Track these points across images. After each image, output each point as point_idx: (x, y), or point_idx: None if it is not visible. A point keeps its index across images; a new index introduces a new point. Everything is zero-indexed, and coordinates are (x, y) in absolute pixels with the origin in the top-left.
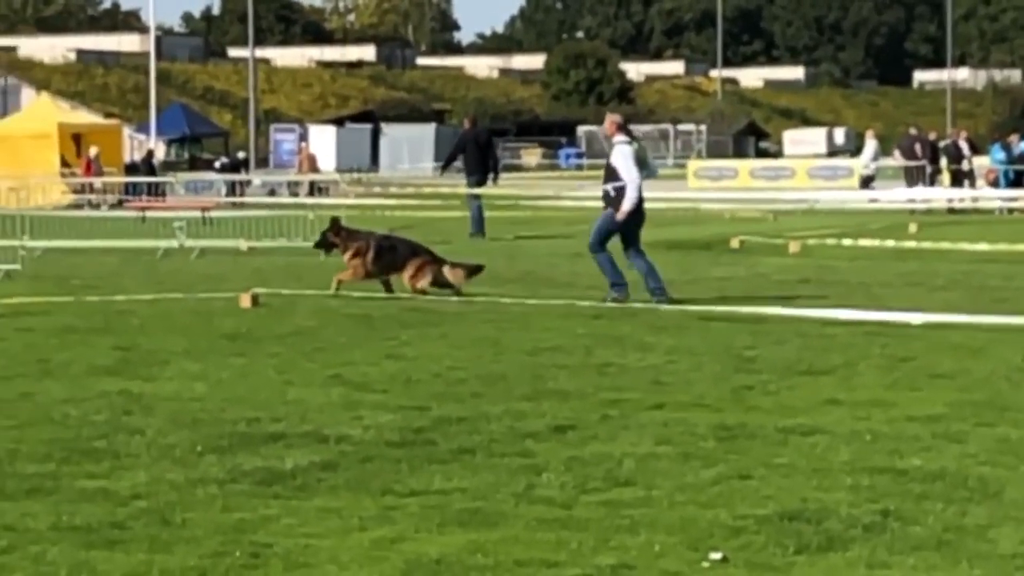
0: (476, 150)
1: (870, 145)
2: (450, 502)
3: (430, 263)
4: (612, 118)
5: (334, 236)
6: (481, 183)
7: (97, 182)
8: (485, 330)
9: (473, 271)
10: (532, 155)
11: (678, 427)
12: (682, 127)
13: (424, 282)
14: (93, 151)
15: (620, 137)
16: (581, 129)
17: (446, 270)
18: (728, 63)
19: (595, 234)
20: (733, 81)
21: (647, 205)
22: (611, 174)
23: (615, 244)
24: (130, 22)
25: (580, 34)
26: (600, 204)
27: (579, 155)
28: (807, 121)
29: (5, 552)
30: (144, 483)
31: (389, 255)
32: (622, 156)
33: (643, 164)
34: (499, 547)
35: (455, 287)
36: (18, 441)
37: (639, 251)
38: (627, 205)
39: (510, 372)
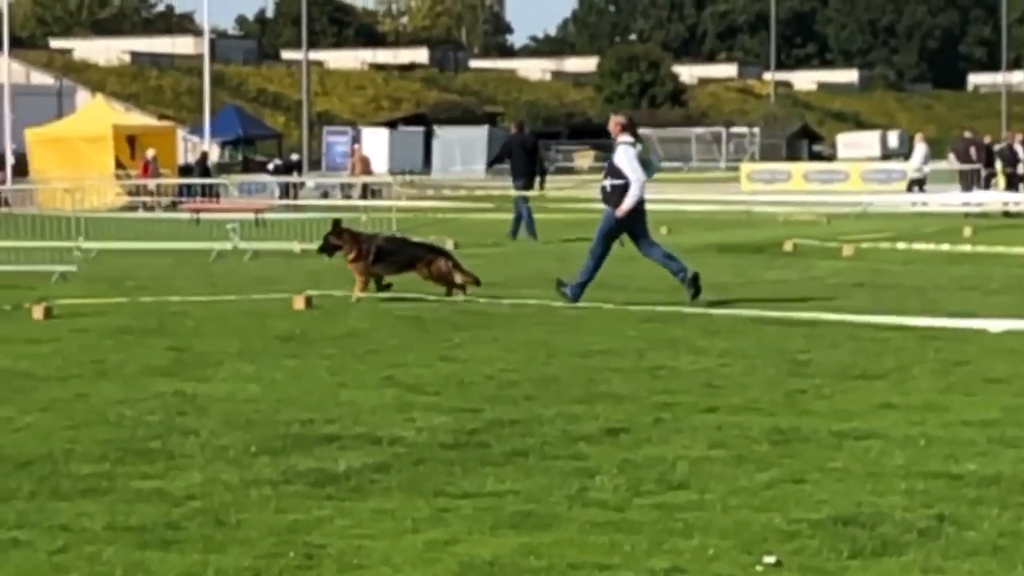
0: (523, 154)
1: (919, 149)
2: (503, 504)
3: (443, 258)
4: (616, 119)
5: (336, 239)
6: (528, 187)
7: (151, 184)
8: (537, 333)
9: (474, 281)
10: (584, 158)
11: (731, 430)
12: (735, 130)
13: (448, 271)
14: (151, 153)
15: (624, 137)
16: None
17: (456, 271)
18: (781, 66)
19: (599, 236)
20: (786, 84)
21: (652, 207)
22: (613, 172)
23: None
24: (184, 25)
25: (633, 37)
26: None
27: None
28: (861, 124)
29: (61, 552)
30: (198, 484)
31: (393, 255)
32: (626, 156)
33: (646, 164)
34: (552, 549)
35: (457, 287)
36: (73, 441)
37: (651, 242)
38: (629, 202)
39: (562, 375)
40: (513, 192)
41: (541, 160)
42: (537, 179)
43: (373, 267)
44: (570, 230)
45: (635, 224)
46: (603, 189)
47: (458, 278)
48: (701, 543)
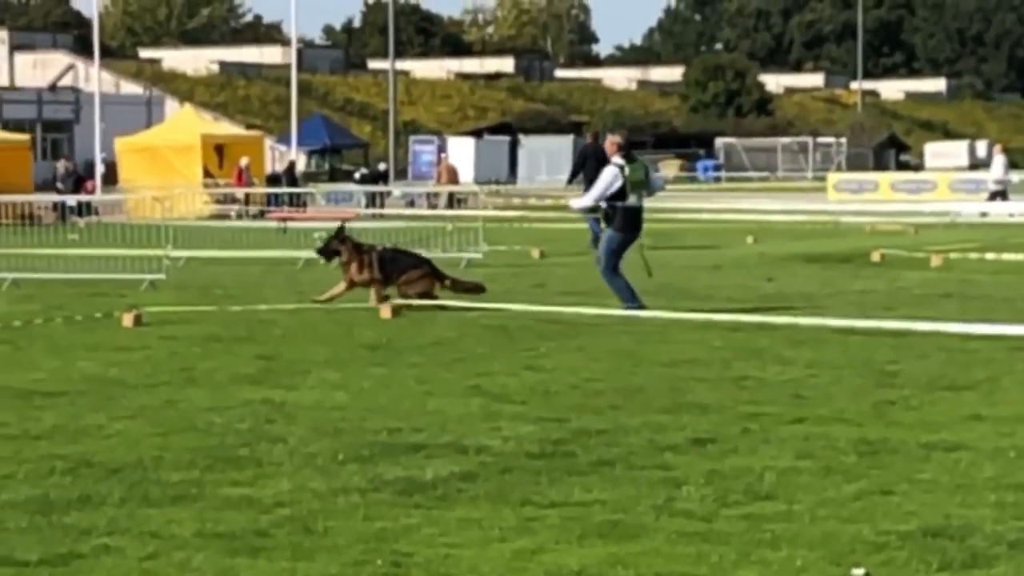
0: (596, 165)
1: (998, 160)
2: (590, 514)
3: (429, 275)
4: (612, 139)
5: (339, 244)
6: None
7: (239, 192)
8: (623, 342)
9: (472, 288)
10: (670, 167)
11: (819, 441)
12: (821, 140)
13: (415, 291)
14: (244, 161)
15: (616, 159)
16: (719, 141)
17: (445, 283)
18: (868, 75)
19: (604, 258)
20: (873, 93)
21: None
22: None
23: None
24: (272, 34)
25: (719, 46)
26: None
27: (717, 167)
28: (948, 134)
29: (151, 558)
30: (287, 491)
31: (391, 265)
32: (604, 177)
33: (642, 184)
34: (639, 560)
35: (435, 296)
36: (163, 448)
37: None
38: (576, 203)
39: (648, 384)
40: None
41: None
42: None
43: (377, 276)
44: (653, 239)
45: (627, 245)
46: (599, 208)
47: (455, 291)
48: (789, 554)
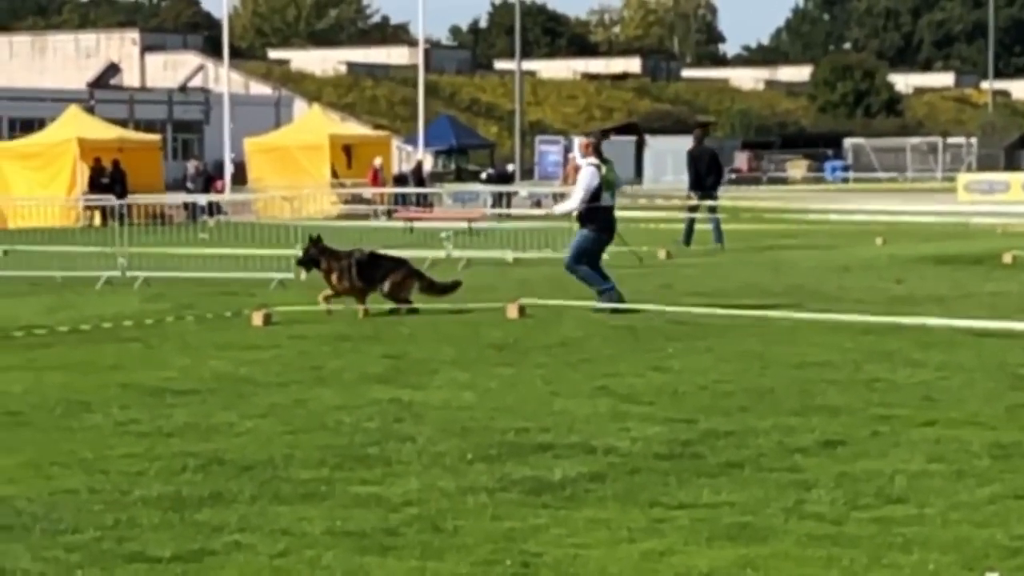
0: (703, 165)
1: None
2: (719, 516)
3: (410, 276)
4: (583, 140)
5: (318, 253)
6: (706, 198)
7: (367, 192)
8: (751, 344)
9: (449, 288)
10: (797, 168)
11: (951, 444)
12: (951, 140)
13: (406, 292)
14: (378, 161)
15: (590, 159)
16: (848, 142)
17: (423, 284)
18: (1000, 74)
19: (572, 253)
20: (1005, 93)
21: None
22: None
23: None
24: (399, 35)
25: (847, 45)
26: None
27: (845, 168)
28: None
29: (282, 555)
30: (416, 490)
31: (370, 270)
32: (581, 176)
33: (613, 183)
34: (769, 562)
35: (408, 300)
36: (293, 447)
37: (594, 265)
38: (558, 209)
39: (777, 386)
40: (728, 202)
41: (720, 170)
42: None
43: (357, 282)
44: (782, 239)
45: (602, 246)
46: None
47: (432, 293)
48: (921, 558)
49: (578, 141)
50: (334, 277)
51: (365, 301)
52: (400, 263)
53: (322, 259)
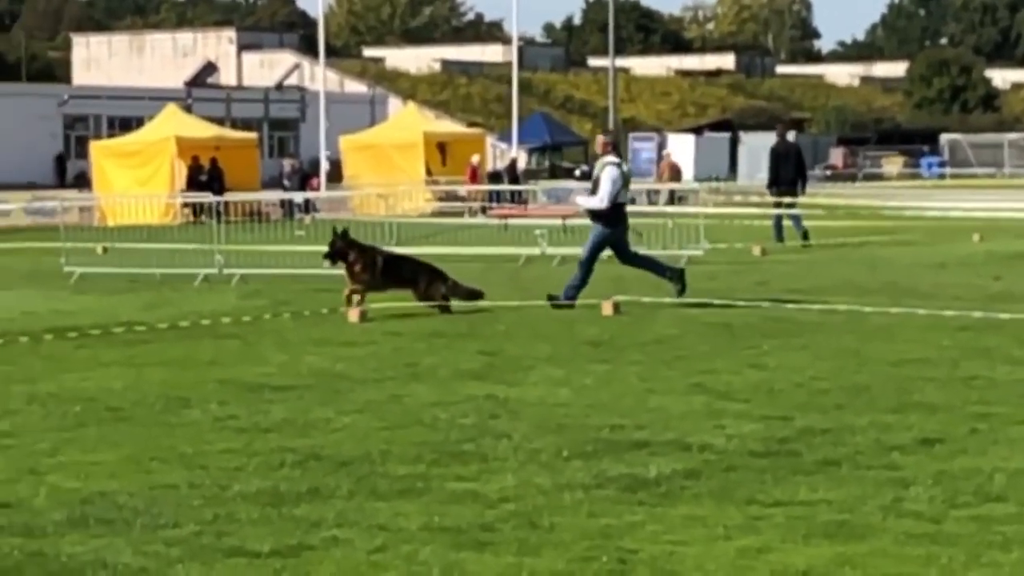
0: (786, 162)
1: None
2: (816, 513)
3: (437, 276)
4: (603, 138)
5: (346, 247)
6: (785, 194)
7: (461, 190)
8: (847, 341)
9: (472, 294)
10: (893, 164)
11: None
12: None
13: (437, 292)
14: (476, 158)
15: (610, 157)
16: (944, 138)
17: (448, 286)
18: None
19: (590, 250)
20: None
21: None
22: (596, 188)
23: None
24: (493, 32)
25: (944, 41)
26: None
27: (942, 164)
28: None
29: (379, 551)
30: (512, 487)
31: (396, 269)
32: (607, 176)
33: (627, 182)
34: (867, 560)
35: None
36: (389, 442)
37: (632, 252)
38: (586, 204)
39: (874, 384)
40: (821, 199)
41: (803, 168)
42: (798, 187)
43: (380, 279)
44: (878, 236)
45: (621, 238)
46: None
47: (455, 296)
48: (1021, 556)
49: (598, 139)
50: (358, 267)
51: (364, 299)
52: (424, 264)
53: (349, 252)
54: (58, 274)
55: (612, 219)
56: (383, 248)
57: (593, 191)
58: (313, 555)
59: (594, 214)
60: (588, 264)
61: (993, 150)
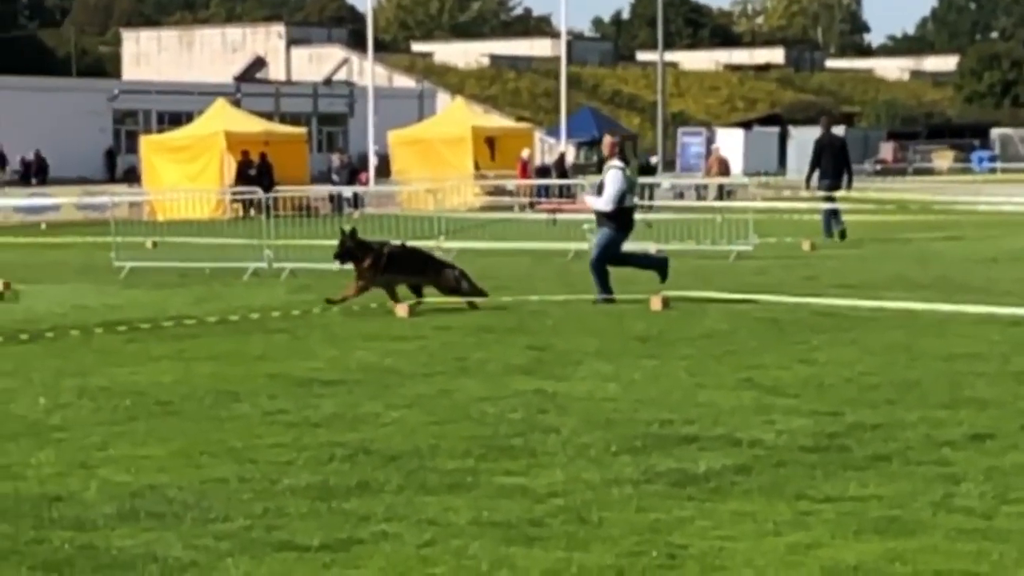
0: (830, 156)
1: None
2: (866, 509)
3: (450, 268)
4: (609, 140)
5: (355, 247)
6: (833, 188)
7: (510, 184)
8: (898, 336)
9: (477, 292)
10: (943, 158)
11: None
12: None
13: (456, 284)
14: (526, 153)
15: (615, 161)
16: (995, 132)
17: (457, 277)
18: None
19: (599, 253)
20: None
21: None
22: (602, 191)
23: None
24: (542, 27)
25: (995, 34)
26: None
27: (992, 158)
28: None
29: (428, 545)
30: (561, 481)
31: (405, 263)
32: (611, 179)
33: (634, 184)
34: (917, 556)
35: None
36: (438, 437)
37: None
38: (591, 204)
39: (925, 379)
40: (873, 194)
41: (848, 161)
42: (844, 180)
43: (384, 275)
44: (929, 231)
45: (624, 239)
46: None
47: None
48: None
49: (606, 141)
50: (367, 263)
51: (359, 292)
52: (435, 259)
53: (359, 251)
54: (108, 268)
55: (619, 223)
56: (391, 241)
57: (599, 194)
58: (362, 549)
59: (602, 216)
60: (600, 267)
61: None
